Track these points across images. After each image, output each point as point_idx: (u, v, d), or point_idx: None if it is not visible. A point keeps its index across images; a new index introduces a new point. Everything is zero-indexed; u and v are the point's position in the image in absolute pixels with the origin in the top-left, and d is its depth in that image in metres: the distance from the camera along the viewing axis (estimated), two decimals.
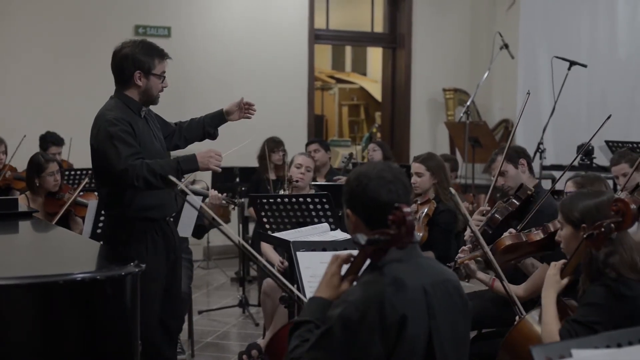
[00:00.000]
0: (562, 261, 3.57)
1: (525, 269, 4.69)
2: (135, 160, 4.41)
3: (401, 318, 2.63)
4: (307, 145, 8.34)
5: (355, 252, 2.78)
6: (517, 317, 3.77)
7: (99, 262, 3.77)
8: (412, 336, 2.65)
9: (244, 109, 5.09)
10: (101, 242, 4.85)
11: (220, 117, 5.09)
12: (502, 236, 4.50)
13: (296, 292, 3.54)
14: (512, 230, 4.61)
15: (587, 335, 3.14)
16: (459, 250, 4.80)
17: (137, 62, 4.62)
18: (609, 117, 5.65)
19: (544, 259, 4.56)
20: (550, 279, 3.56)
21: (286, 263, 5.91)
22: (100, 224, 5.46)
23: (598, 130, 5.63)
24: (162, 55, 4.73)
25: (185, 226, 5.96)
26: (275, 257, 6.17)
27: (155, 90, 4.68)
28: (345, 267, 2.81)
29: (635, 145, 7.20)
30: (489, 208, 5.42)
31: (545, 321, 3.47)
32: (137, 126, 4.59)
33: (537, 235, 4.42)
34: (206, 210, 4.31)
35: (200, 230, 6.31)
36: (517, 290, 4.37)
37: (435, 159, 6.09)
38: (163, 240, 4.70)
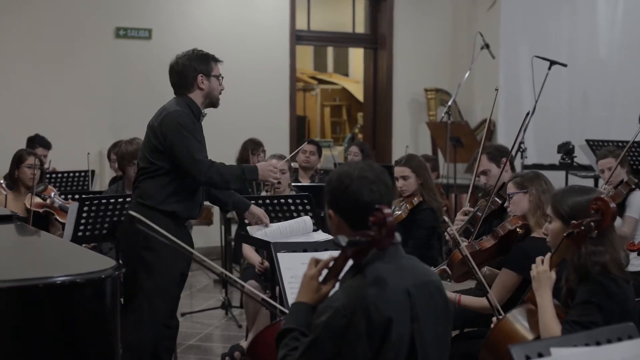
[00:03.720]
0: (548, 255, 3.54)
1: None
2: (205, 158, 4.78)
3: (386, 321, 2.63)
4: (306, 144, 8.29)
5: (335, 254, 2.77)
6: (494, 318, 3.75)
7: (78, 265, 3.75)
8: (397, 338, 2.65)
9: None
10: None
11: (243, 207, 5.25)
12: (456, 250, 4.49)
13: (278, 306, 3.53)
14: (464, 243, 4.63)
15: None
16: None
17: (197, 67, 4.92)
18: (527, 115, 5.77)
19: (501, 264, 4.56)
20: (542, 275, 3.49)
21: (266, 263, 5.93)
22: (81, 227, 5.45)
23: (522, 130, 5.70)
24: (215, 58, 5.05)
25: None
26: (256, 258, 6.16)
27: (217, 91, 5.01)
28: (325, 270, 2.80)
29: (617, 143, 7.23)
30: (472, 209, 5.45)
31: (545, 323, 3.42)
32: (198, 128, 4.93)
33: (489, 241, 4.44)
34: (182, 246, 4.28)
35: None
36: (482, 302, 4.35)
37: (416, 159, 6.12)
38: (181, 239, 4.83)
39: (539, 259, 3.57)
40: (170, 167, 4.82)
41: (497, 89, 6.08)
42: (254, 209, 5.17)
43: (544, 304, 3.46)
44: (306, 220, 5.25)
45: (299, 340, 2.71)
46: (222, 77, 5.03)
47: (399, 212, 5.86)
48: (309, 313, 2.75)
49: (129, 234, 4.93)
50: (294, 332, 2.74)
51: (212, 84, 4.96)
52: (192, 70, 4.91)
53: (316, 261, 2.82)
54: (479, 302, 4.40)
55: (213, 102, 5.03)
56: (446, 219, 4.38)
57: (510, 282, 4.32)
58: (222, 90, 5.05)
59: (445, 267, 4.46)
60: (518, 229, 4.40)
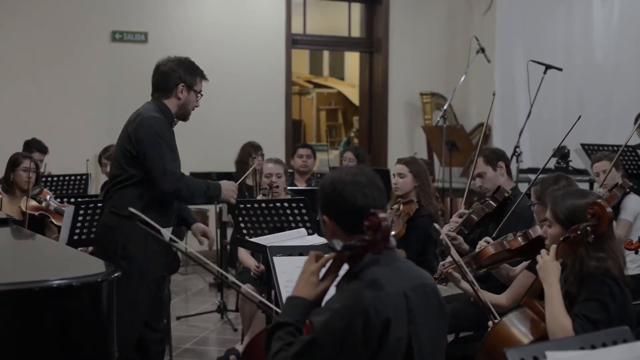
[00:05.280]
0: (554, 246, 3.51)
1: (499, 274, 4.66)
2: (177, 168, 4.69)
3: (385, 322, 2.64)
4: (299, 148, 8.26)
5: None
6: (490, 322, 3.74)
7: (74, 268, 3.75)
8: (395, 340, 2.66)
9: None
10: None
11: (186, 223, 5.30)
12: (485, 246, 4.44)
13: (275, 308, 3.53)
14: (488, 238, 4.59)
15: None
16: (440, 264, 4.76)
17: (183, 75, 4.86)
18: (579, 118, 5.68)
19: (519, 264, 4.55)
20: (549, 265, 3.47)
21: (262, 267, 5.92)
22: (77, 230, 5.44)
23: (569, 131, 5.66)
24: (203, 75, 4.99)
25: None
26: (251, 262, 6.16)
27: (191, 106, 4.93)
28: (324, 269, 2.79)
29: (612, 147, 7.25)
30: (467, 211, 5.45)
31: (554, 314, 3.39)
32: (172, 136, 4.85)
33: (518, 242, 4.37)
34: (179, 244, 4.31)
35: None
36: (499, 300, 4.33)
37: (418, 163, 6.11)
38: (162, 249, 4.78)
39: (543, 250, 3.56)
40: (143, 175, 4.73)
41: (494, 94, 6.08)
42: (199, 225, 5.22)
43: (552, 292, 3.43)
44: (301, 232, 5.26)
45: (295, 336, 2.70)
46: (202, 95, 4.97)
47: (398, 230, 5.80)
48: (306, 309, 2.74)
49: (106, 244, 4.83)
50: (290, 326, 2.72)
51: (190, 97, 4.89)
52: (176, 77, 4.85)
53: (317, 256, 2.81)
54: (497, 299, 4.35)
55: (185, 115, 4.95)
56: (436, 226, 4.34)
57: (529, 285, 4.31)
58: (196, 107, 4.98)
59: (470, 259, 4.41)
60: None
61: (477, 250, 4.48)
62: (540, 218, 4.44)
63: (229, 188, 4.95)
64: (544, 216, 4.39)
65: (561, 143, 5.74)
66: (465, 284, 4.38)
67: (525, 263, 4.48)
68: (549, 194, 4.31)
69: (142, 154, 4.67)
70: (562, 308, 3.41)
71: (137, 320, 4.83)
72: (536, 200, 4.48)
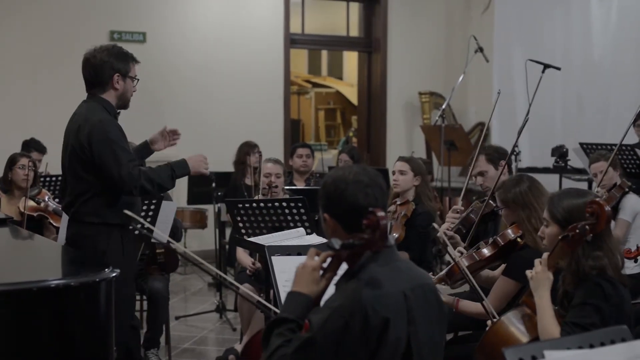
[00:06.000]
0: (546, 255, 3.53)
1: (479, 280, 4.65)
2: (133, 168, 4.48)
3: (384, 321, 2.64)
4: (298, 148, 8.21)
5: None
6: (488, 322, 3.75)
7: (72, 269, 3.75)
8: (394, 339, 2.66)
9: (169, 137, 5.03)
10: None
11: (145, 148, 5.06)
12: (456, 261, 4.45)
13: (273, 308, 3.53)
14: (461, 249, 4.60)
15: None
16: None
17: (115, 65, 4.69)
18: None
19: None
20: (541, 276, 3.48)
21: (257, 264, 5.93)
22: None
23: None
24: (134, 59, 4.84)
25: (161, 231, 5.94)
26: (249, 261, 6.15)
27: (130, 94, 4.78)
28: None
29: (610, 147, 7.25)
30: (462, 208, 5.44)
31: (544, 324, 3.42)
32: (122, 132, 4.65)
33: (488, 251, 4.39)
34: (175, 245, 4.33)
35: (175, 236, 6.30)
36: (480, 308, 4.33)
37: (419, 162, 6.11)
38: (134, 247, 4.76)
39: (536, 260, 3.56)
40: (103, 181, 4.56)
41: (499, 92, 6.08)
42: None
43: (543, 304, 3.45)
44: (300, 231, 5.25)
45: (294, 333, 2.68)
46: (138, 80, 4.83)
47: (398, 233, 5.79)
48: (308, 305, 2.72)
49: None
50: (292, 323, 2.70)
51: (127, 85, 4.74)
52: (109, 68, 4.68)
53: (317, 252, 2.79)
54: (477, 307, 4.36)
55: (125, 104, 4.79)
56: (435, 226, 4.37)
57: (508, 290, 4.31)
58: (134, 92, 4.82)
59: (444, 275, 4.44)
60: (519, 239, 4.38)
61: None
62: (508, 221, 4.46)
63: (196, 159, 4.75)
64: (512, 219, 4.41)
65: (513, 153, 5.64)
66: (444, 298, 4.40)
67: (503, 266, 4.49)
68: (512, 195, 4.36)
69: (97, 161, 4.49)
70: (552, 319, 3.42)
71: (125, 322, 4.81)
72: (501, 204, 4.49)
